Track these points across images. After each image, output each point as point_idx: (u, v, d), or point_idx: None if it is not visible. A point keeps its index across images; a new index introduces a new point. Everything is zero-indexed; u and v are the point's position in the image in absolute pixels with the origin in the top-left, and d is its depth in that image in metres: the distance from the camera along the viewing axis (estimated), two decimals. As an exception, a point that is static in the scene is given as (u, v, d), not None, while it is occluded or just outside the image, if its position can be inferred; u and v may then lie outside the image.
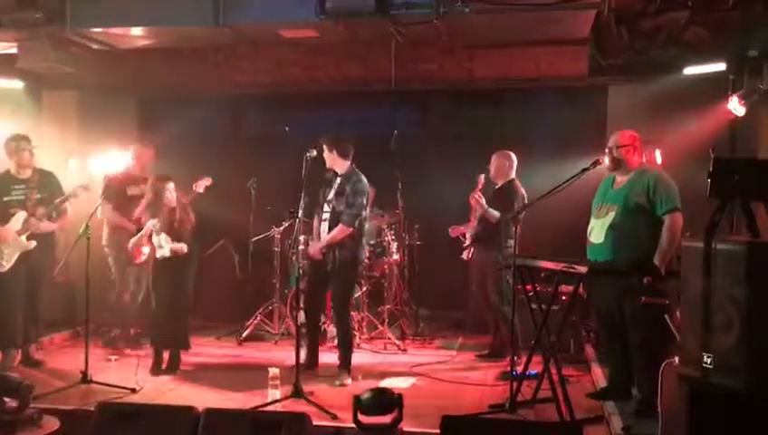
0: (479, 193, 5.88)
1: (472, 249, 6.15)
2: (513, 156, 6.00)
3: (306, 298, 5.48)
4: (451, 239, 6.54)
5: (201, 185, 6.38)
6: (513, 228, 5.63)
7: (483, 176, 5.98)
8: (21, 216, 5.63)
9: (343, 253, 5.41)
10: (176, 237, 5.46)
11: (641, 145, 4.73)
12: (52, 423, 4.16)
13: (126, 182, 6.33)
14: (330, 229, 5.40)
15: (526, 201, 5.59)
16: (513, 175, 5.98)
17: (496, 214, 5.77)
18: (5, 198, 5.64)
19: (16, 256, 5.62)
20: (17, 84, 6.94)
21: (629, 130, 4.75)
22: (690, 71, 6.09)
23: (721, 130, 5.78)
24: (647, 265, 4.32)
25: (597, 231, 4.65)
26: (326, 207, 5.52)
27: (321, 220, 5.55)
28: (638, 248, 4.45)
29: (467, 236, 6.19)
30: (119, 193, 6.25)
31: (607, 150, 4.72)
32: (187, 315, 5.75)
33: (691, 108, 6.05)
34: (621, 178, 4.71)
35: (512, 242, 5.68)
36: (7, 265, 5.60)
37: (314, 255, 5.46)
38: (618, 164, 4.68)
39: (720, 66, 5.77)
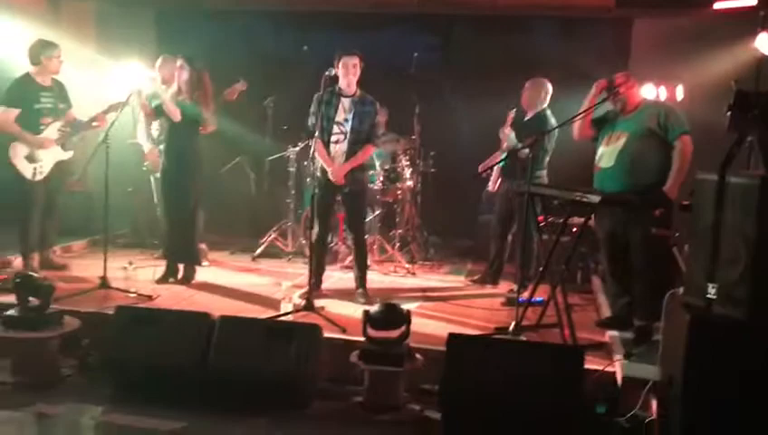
0: (509, 128, 5.82)
1: (499, 180, 6.12)
2: (549, 84, 5.86)
3: (319, 219, 5.38)
4: (465, 167, 6.53)
5: (235, 91, 6.34)
6: (546, 159, 5.68)
7: (513, 111, 5.91)
8: (56, 125, 5.69)
9: (363, 174, 5.50)
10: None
11: (634, 80, 4.82)
12: (73, 323, 4.33)
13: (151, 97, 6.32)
14: (349, 150, 5.30)
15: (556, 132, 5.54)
16: (546, 104, 5.88)
17: (525, 150, 5.66)
18: (36, 106, 5.61)
19: (51, 166, 5.70)
20: (38, -6, 6.89)
21: (620, 72, 4.87)
22: (720, 5, 5.94)
23: (747, 68, 5.69)
24: (658, 195, 4.38)
25: (607, 156, 4.69)
26: (336, 129, 5.30)
27: (329, 142, 5.31)
28: (649, 173, 4.53)
29: (495, 168, 6.12)
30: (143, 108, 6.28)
31: (609, 96, 4.75)
32: (194, 227, 5.72)
33: (718, 44, 5.94)
34: (630, 111, 4.75)
35: (542, 173, 5.72)
36: (44, 174, 5.66)
37: (339, 180, 5.27)
38: (623, 104, 4.74)
39: (751, 1, 5.62)
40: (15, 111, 5.54)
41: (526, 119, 5.91)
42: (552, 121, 5.74)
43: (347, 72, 5.21)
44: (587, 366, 3.82)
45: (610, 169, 4.65)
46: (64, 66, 5.77)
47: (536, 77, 5.92)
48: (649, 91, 5.42)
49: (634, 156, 4.57)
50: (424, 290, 5.96)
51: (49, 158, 5.69)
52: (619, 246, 4.73)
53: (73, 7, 7.45)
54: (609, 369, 4.07)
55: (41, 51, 5.60)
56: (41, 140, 5.60)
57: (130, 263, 5.36)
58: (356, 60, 5.23)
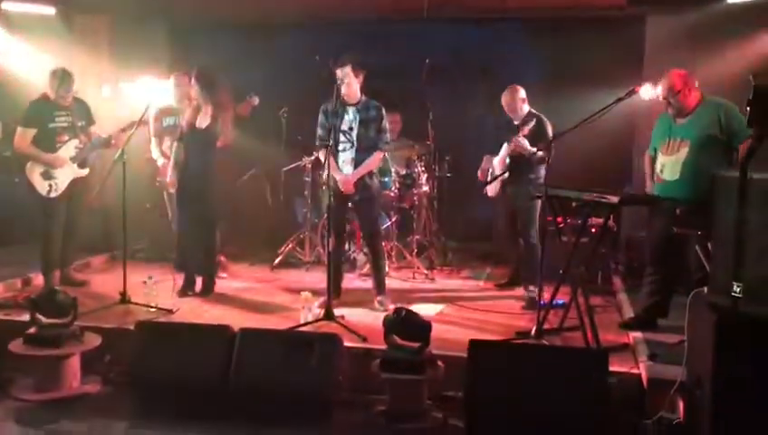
0: (521, 136, 5.75)
1: (498, 185, 6.06)
2: (522, 89, 5.76)
3: (334, 228, 5.28)
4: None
5: (248, 106, 6.37)
6: (546, 161, 5.63)
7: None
8: (72, 143, 5.74)
9: (373, 181, 5.47)
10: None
11: (692, 79, 4.55)
12: (95, 339, 4.35)
13: (163, 113, 6.36)
14: (357, 158, 5.33)
15: (550, 133, 5.48)
16: (527, 109, 5.78)
17: (533, 149, 5.61)
18: (51, 125, 5.67)
19: (67, 183, 5.75)
20: (49, 10, 6.95)
21: (677, 71, 4.54)
22: (733, -1, 5.89)
23: (763, 61, 5.62)
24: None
25: (670, 168, 4.53)
26: (342, 138, 5.34)
27: (338, 151, 5.34)
28: None
29: (496, 172, 6.04)
30: (156, 124, 6.33)
31: (663, 99, 4.57)
32: (212, 240, 5.75)
33: (733, 38, 5.88)
34: (687, 113, 4.56)
35: (542, 173, 5.66)
36: (59, 192, 5.71)
37: (348, 189, 5.32)
38: (680, 110, 4.54)
39: (765, -7, 5.57)
40: (31, 132, 5.61)
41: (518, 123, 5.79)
42: (547, 125, 5.67)
43: (342, 83, 5.25)
44: (611, 368, 3.77)
45: (676, 181, 4.50)
46: (79, 81, 5.82)
47: (513, 84, 5.84)
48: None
49: (699, 168, 4.36)
50: (443, 295, 5.93)
51: (65, 175, 5.73)
52: (673, 247, 4.59)
53: (86, 20, 7.48)
54: (635, 371, 4.02)
55: (53, 81, 5.65)
56: (53, 159, 5.66)
57: (150, 277, 5.37)
58: (347, 69, 5.24)
